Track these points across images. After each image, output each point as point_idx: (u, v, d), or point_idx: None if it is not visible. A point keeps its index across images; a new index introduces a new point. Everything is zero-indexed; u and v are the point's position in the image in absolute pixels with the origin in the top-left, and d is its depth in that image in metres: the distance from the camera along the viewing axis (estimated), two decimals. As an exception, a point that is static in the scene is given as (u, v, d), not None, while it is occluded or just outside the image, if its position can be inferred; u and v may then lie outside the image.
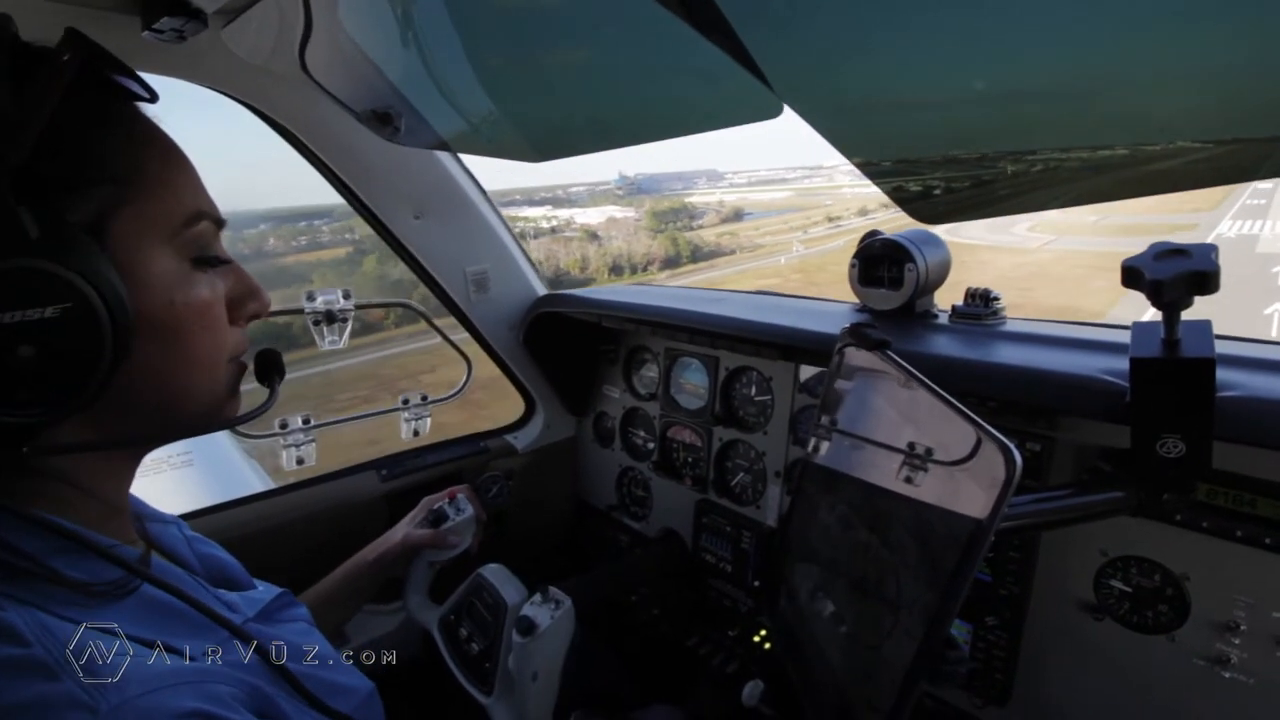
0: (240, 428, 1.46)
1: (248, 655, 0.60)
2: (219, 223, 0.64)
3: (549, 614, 1.11)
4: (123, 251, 0.54)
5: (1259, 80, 0.47)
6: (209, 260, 0.62)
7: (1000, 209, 0.72)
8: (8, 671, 0.44)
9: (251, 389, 0.71)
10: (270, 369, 0.76)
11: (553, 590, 1.16)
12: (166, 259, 0.58)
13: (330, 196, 1.42)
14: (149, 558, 0.64)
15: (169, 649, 0.54)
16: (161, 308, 0.57)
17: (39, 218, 0.48)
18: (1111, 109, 0.57)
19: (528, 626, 1.07)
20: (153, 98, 0.61)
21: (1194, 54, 0.47)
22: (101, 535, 0.57)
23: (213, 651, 0.57)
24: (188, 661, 0.53)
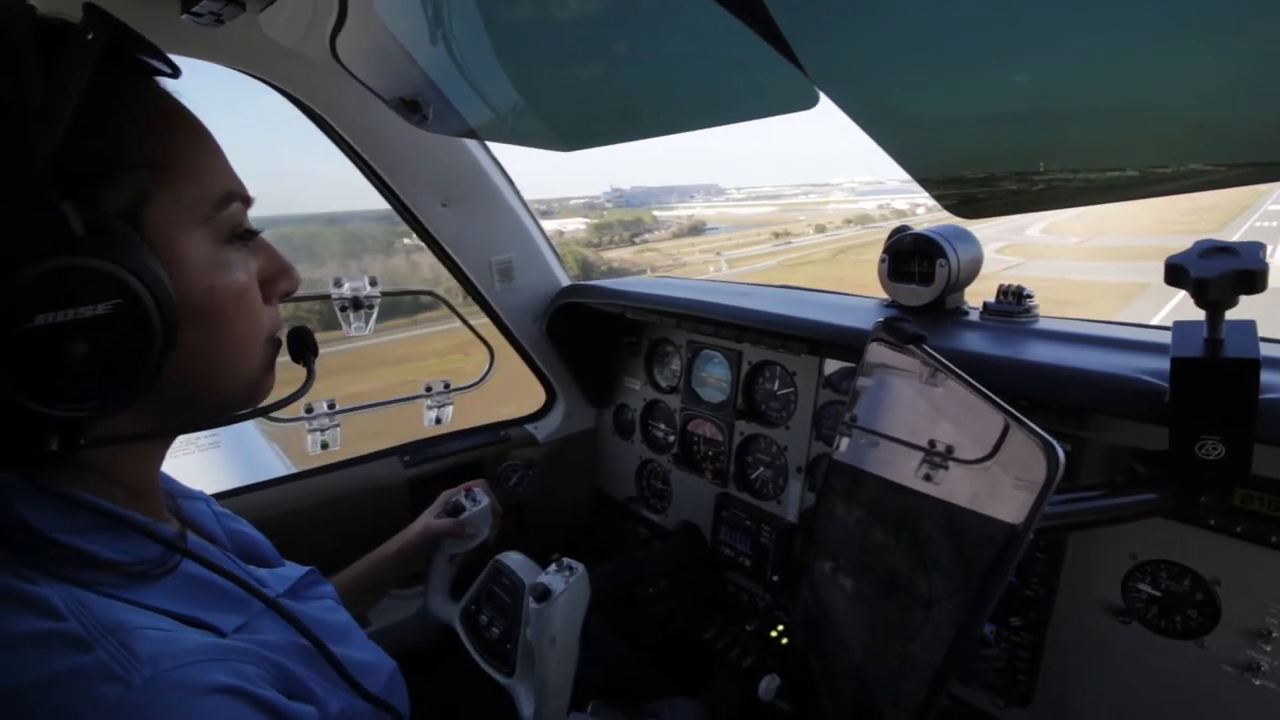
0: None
1: (280, 630, 0.61)
2: (247, 201, 0.62)
3: (563, 580, 1.12)
4: (159, 238, 0.53)
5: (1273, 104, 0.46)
6: (243, 237, 0.61)
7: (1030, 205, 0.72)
8: (43, 644, 0.45)
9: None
10: (304, 347, 0.75)
11: (566, 560, 1.17)
12: (202, 243, 0.56)
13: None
14: (185, 535, 0.65)
15: (202, 625, 0.54)
16: (200, 293, 0.56)
17: (81, 212, 0.47)
18: (1124, 132, 0.56)
19: (543, 592, 1.09)
20: (175, 73, 0.59)
21: (1216, 75, 0.47)
22: (138, 515, 0.58)
23: (241, 628, 0.57)
24: (219, 639, 0.54)
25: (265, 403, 0.67)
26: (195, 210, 0.56)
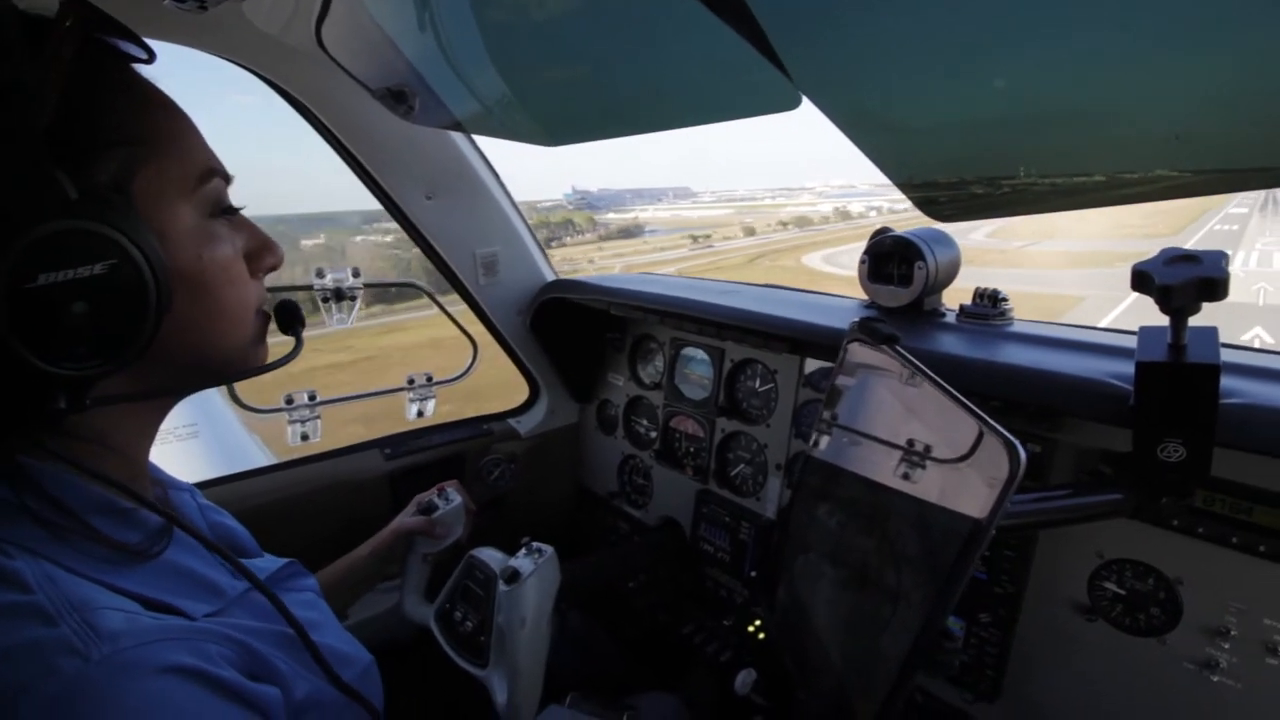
0: (246, 401, 1.48)
1: (253, 617, 0.61)
2: (227, 178, 0.65)
3: (532, 562, 1.13)
4: (147, 209, 0.56)
5: (1244, 113, 0.48)
6: (226, 211, 0.65)
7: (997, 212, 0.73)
8: (7, 615, 0.46)
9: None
10: (292, 319, 0.79)
11: (535, 543, 1.18)
12: (188, 216, 0.60)
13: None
14: (170, 526, 0.65)
15: (171, 609, 0.55)
16: (190, 262, 0.59)
17: (74, 180, 0.49)
18: (1096, 137, 0.58)
19: (512, 574, 1.10)
20: (150, 58, 0.62)
21: (1185, 84, 0.48)
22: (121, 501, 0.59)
23: (212, 614, 0.58)
24: (186, 621, 0.55)
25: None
26: (179, 184, 0.59)
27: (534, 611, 1.12)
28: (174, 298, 0.55)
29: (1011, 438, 0.57)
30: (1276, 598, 0.89)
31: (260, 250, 0.69)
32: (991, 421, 0.60)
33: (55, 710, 0.44)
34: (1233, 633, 0.92)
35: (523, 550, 1.17)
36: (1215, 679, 0.93)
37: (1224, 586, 0.92)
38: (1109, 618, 1.03)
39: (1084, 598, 1.05)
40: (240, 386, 1.44)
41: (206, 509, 0.81)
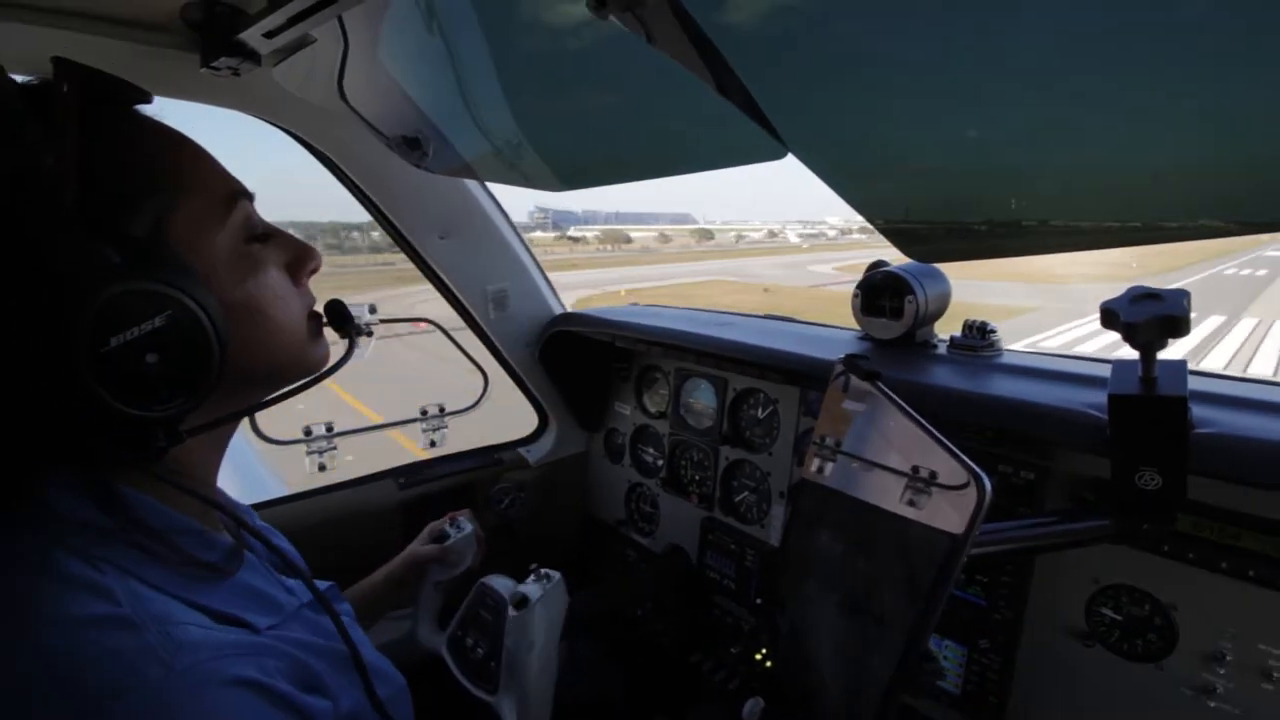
0: (265, 432, 1.54)
1: (306, 632, 0.66)
2: (250, 196, 0.68)
3: (540, 588, 1.16)
4: (186, 250, 0.60)
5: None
6: (260, 238, 0.68)
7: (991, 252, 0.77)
8: (101, 625, 0.51)
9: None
10: (343, 319, 0.83)
11: (544, 569, 1.21)
12: (224, 245, 0.63)
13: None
14: (240, 549, 0.70)
15: (238, 622, 0.60)
16: (237, 290, 0.63)
17: (114, 244, 0.54)
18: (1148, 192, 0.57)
19: (521, 600, 1.13)
20: (147, 98, 0.65)
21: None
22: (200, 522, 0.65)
23: (273, 626, 0.63)
24: (252, 635, 0.60)
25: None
26: (209, 217, 0.62)
27: (543, 636, 1.14)
28: (234, 326, 0.60)
29: (979, 470, 0.61)
30: (1269, 622, 0.90)
31: (300, 258, 0.73)
32: (961, 455, 0.64)
33: (140, 714, 0.48)
34: (1228, 658, 0.93)
35: (531, 576, 1.20)
36: (1213, 704, 0.94)
37: (1217, 612, 0.94)
38: (1107, 643, 1.04)
39: (1082, 623, 1.06)
40: (260, 417, 1.50)
41: (263, 530, 0.86)
